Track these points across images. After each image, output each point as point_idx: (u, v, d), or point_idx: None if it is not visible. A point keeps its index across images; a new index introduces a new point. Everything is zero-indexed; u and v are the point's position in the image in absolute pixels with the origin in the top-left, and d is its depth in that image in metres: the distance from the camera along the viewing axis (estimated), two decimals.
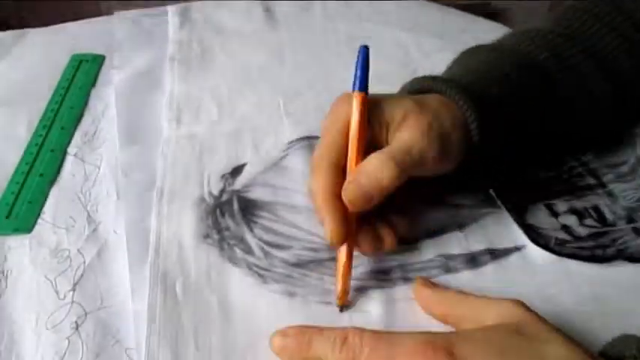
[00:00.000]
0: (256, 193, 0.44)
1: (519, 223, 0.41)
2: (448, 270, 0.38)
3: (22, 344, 0.34)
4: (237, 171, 0.46)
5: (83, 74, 0.57)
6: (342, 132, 0.37)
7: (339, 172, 0.37)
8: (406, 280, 0.37)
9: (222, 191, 0.44)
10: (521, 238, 0.40)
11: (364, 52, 0.38)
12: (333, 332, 0.30)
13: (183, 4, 0.68)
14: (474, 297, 0.33)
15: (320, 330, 0.31)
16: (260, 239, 0.40)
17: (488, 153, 0.40)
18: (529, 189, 0.43)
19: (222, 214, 0.42)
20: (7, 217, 0.42)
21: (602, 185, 0.44)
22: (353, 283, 0.36)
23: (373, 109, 0.38)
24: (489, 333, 0.29)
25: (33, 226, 0.42)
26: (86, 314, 0.36)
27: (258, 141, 0.49)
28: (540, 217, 0.42)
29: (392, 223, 0.38)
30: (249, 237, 0.40)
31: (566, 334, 0.29)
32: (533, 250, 0.39)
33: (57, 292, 0.37)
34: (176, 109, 0.52)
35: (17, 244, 0.40)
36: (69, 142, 0.49)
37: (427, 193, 0.42)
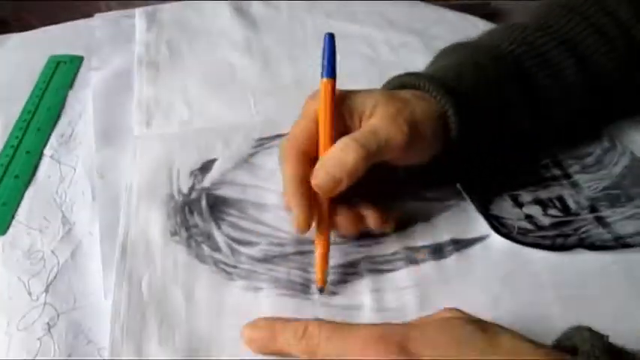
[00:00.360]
0: (225, 191, 0.44)
1: (483, 214, 0.41)
2: (412, 262, 0.38)
3: None
4: (206, 167, 0.46)
5: (61, 76, 0.57)
6: (312, 121, 0.38)
7: (308, 160, 0.37)
8: (373, 272, 0.38)
9: (191, 189, 0.44)
10: (485, 228, 0.40)
11: (329, 40, 0.39)
12: (296, 324, 0.31)
13: (150, 7, 0.67)
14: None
15: (285, 322, 0.32)
16: (227, 236, 0.40)
17: (467, 146, 0.40)
18: (495, 180, 0.44)
19: (191, 212, 0.42)
20: None
21: (567, 176, 0.45)
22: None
23: (344, 101, 0.38)
24: (443, 323, 0.29)
25: (7, 228, 0.42)
26: (59, 315, 0.36)
27: (228, 137, 0.49)
28: (505, 208, 0.42)
29: (364, 215, 0.38)
30: (216, 234, 0.41)
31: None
32: (496, 240, 0.40)
33: (30, 294, 0.37)
34: (146, 112, 0.52)
35: None
36: (45, 144, 0.49)
37: (404, 185, 0.42)
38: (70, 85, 0.57)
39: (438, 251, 0.39)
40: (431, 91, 0.39)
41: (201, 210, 0.42)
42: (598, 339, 0.27)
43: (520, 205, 0.42)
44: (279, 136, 0.49)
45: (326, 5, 0.69)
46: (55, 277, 0.38)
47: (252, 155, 0.47)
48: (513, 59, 0.43)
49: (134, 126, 0.51)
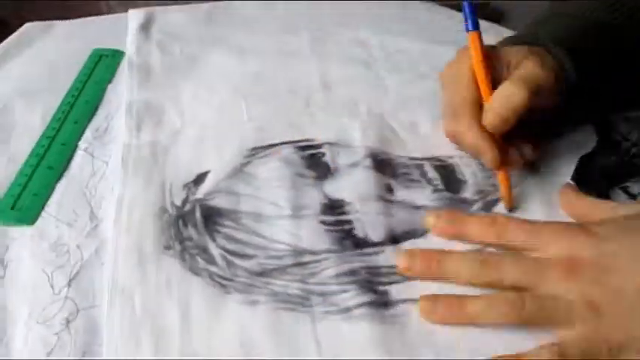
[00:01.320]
0: (219, 201, 0.41)
1: None
2: None
3: (12, 335, 0.34)
4: (200, 179, 0.43)
5: (102, 69, 0.56)
6: (467, 74, 0.42)
7: (478, 109, 0.41)
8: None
9: (184, 201, 0.41)
10: None
11: (469, 3, 0.43)
12: (482, 215, 0.39)
13: (145, 9, 0.64)
14: (607, 202, 0.39)
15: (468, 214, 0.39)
16: (223, 248, 0.38)
17: (587, 92, 0.43)
18: (603, 176, 0.44)
19: (185, 225, 0.40)
20: (12, 209, 0.42)
21: None
22: None
23: (491, 53, 0.42)
24: (618, 219, 0.35)
25: (36, 219, 0.42)
26: (78, 311, 0.35)
27: (221, 147, 0.46)
28: (621, 201, 0.42)
29: (519, 148, 0.43)
30: (211, 247, 0.38)
31: None
32: None
33: (52, 287, 0.37)
34: (136, 117, 0.49)
35: (19, 236, 0.40)
36: (80, 137, 0.49)
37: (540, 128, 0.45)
38: (110, 80, 0.56)
39: None
40: (554, 51, 0.43)
41: (196, 222, 0.40)
42: None
43: (633, 196, 0.42)
44: (272, 145, 0.46)
45: (321, 9, 0.65)
46: (77, 273, 0.38)
47: (245, 165, 0.45)
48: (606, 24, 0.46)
49: (123, 131, 0.48)
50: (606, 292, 0.31)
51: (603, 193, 0.42)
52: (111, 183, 0.44)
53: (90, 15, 0.68)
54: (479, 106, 0.41)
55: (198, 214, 0.41)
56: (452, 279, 0.35)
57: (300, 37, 0.60)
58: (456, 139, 0.43)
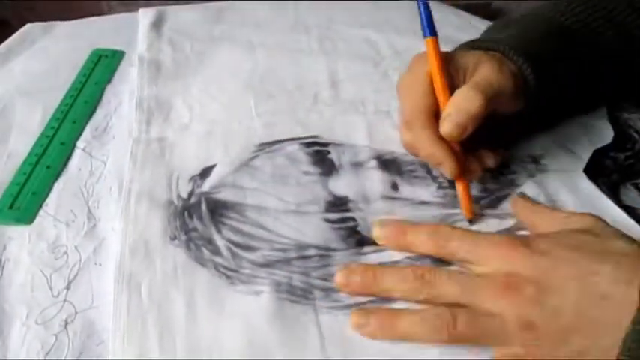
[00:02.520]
0: (225, 194, 0.42)
1: (618, 205, 0.40)
2: None
3: (9, 335, 0.34)
4: (206, 173, 0.44)
5: (102, 69, 0.57)
6: (424, 82, 0.41)
7: (434, 117, 0.40)
8: None
9: (190, 194, 0.42)
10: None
11: (424, 3, 0.42)
12: (427, 224, 0.37)
13: (156, 8, 0.65)
14: (560, 211, 0.37)
15: (415, 224, 0.37)
16: (228, 240, 0.38)
17: (545, 95, 0.42)
18: (615, 171, 0.44)
19: (190, 216, 0.40)
20: (10, 208, 0.42)
21: None
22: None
23: (448, 59, 0.41)
24: (563, 232, 0.33)
25: (34, 218, 0.41)
26: (76, 313, 0.35)
27: (228, 142, 0.47)
28: (632, 198, 0.42)
29: (480, 157, 0.42)
30: (216, 238, 0.39)
31: None
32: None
33: (51, 289, 0.36)
34: (146, 112, 0.50)
35: (17, 235, 0.40)
36: (79, 136, 0.49)
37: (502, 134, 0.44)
38: (109, 80, 0.56)
39: None
40: (512, 56, 0.41)
41: (201, 214, 0.40)
42: None
43: None
44: (278, 142, 0.46)
45: (331, 9, 0.66)
46: (76, 275, 0.37)
47: (252, 159, 0.45)
48: (564, 29, 0.45)
49: (133, 125, 0.49)
50: (543, 311, 0.30)
51: (613, 187, 0.42)
52: (109, 183, 0.44)
53: (91, 15, 0.68)
54: (435, 114, 0.40)
55: (204, 207, 0.41)
56: (389, 295, 0.34)
57: (309, 36, 0.61)
58: (413, 150, 0.42)
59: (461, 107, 0.38)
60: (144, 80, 0.54)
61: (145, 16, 0.64)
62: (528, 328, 0.30)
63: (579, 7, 0.46)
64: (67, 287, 0.37)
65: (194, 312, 0.34)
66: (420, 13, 0.42)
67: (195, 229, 0.39)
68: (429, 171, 0.44)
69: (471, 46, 0.44)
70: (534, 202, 0.39)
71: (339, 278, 0.35)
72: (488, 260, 0.32)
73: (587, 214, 0.34)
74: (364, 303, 0.35)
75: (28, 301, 0.36)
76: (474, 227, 0.40)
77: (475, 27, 0.63)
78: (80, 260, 0.38)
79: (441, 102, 0.40)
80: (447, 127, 0.38)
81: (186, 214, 0.40)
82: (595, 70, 0.45)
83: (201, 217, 0.40)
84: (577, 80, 0.44)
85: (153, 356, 0.32)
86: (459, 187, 0.40)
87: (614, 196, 0.41)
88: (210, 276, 0.36)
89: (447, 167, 0.39)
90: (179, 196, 0.42)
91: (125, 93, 0.54)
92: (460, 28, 0.61)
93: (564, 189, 0.42)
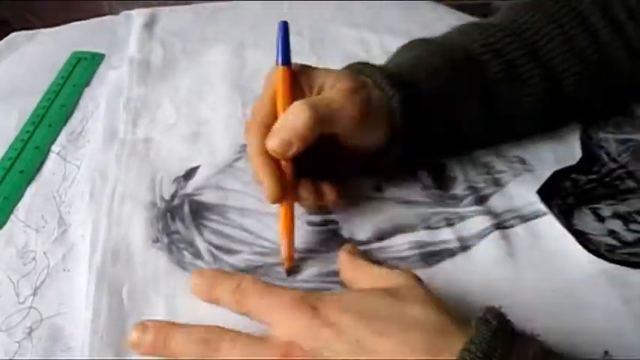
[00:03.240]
0: (207, 196, 0.41)
1: (569, 230, 0.39)
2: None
3: None
4: (190, 174, 0.43)
5: (80, 72, 0.55)
6: (271, 97, 0.39)
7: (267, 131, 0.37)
8: None
9: (173, 195, 0.41)
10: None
11: (283, 28, 0.40)
12: (233, 277, 0.33)
13: (149, 8, 0.65)
14: (375, 266, 0.33)
15: (227, 274, 0.34)
16: (210, 243, 0.38)
17: (413, 136, 0.40)
18: (572, 193, 0.42)
19: (173, 218, 0.40)
20: None
21: None
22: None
23: (306, 75, 0.39)
24: (362, 294, 0.31)
25: (4, 223, 0.40)
26: (42, 320, 0.34)
27: (213, 143, 0.46)
28: (587, 222, 0.39)
29: (318, 187, 0.38)
30: (198, 240, 0.38)
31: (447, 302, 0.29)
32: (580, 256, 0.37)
33: (17, 295, 0.35)
34: (133, 112, 0.50)
35: None
36: (54, 140, 0.47)
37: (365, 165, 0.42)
38: (87, 83, 0.55)
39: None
40: (380, 83, 0.39)
41: (183, 216, 0.40)
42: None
43: (602, 219, 0.40)
44: None
45: (325, 9, 0.66)
46: (43, 281, 0.36)
47: (236, 160, 0.45)
48: (468, 54, 0.43)
49: (119, 125, 0.48)
50: None
51: (567, 211, 0.40)
52: (81, 188, 0.43)
53: (92, 14, 0.68)
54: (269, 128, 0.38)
55: (186, 209, 0.41)
56: (178, 357, 0.31)
57: (301, 37, 0.61)
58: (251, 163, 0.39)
59: (288, 122, 0.36)
60: (133, 81, 0.54)
61: (138, 16, 0.64)
62: None
63: (496, 29, 0.44)
64: (34, 294, 0.36)
65: (174, 317, 0.33)
66: (278, 37, 0.40)
67: (177, 232, 0.39)
68: (412, 172, 0.44)
69: (352, 67, 0.42)
70: (358, 255, 0.36)
71: (132, 335, 0.31)
72: (275, 325, 0.30)
73: (405, 271, 0.32)
74: None
75: None
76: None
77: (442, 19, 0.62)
78: (48, 266, 0.37)
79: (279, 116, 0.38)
80: (271, 141, 0.36)
81: (168, 215, 0.40)
82: (495, 99, 0.43)
83: (183, 219, 0.40)
84: (481, 114, 0.43)
85: (132, 357, 0.31)
86: (281, 222, 0.37)
87: (567, 220, 0.39)
88: (189, 279, 0.35)
89: (265, 187, 0.36)
90: (162, 198, 0.41)
91: (103, 96, 0.53)
92: (426, 24, 0.62)
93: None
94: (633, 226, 0.39)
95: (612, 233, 0.39)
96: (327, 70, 0.40)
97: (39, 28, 0.66)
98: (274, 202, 0.36)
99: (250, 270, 0.36)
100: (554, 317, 0.33)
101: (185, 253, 0.37)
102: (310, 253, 0.38)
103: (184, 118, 0.49)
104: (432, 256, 0.38)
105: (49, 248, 0.38)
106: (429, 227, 0.39)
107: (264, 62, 0.54)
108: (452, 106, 0.42)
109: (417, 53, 0.43)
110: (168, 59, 0.57)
